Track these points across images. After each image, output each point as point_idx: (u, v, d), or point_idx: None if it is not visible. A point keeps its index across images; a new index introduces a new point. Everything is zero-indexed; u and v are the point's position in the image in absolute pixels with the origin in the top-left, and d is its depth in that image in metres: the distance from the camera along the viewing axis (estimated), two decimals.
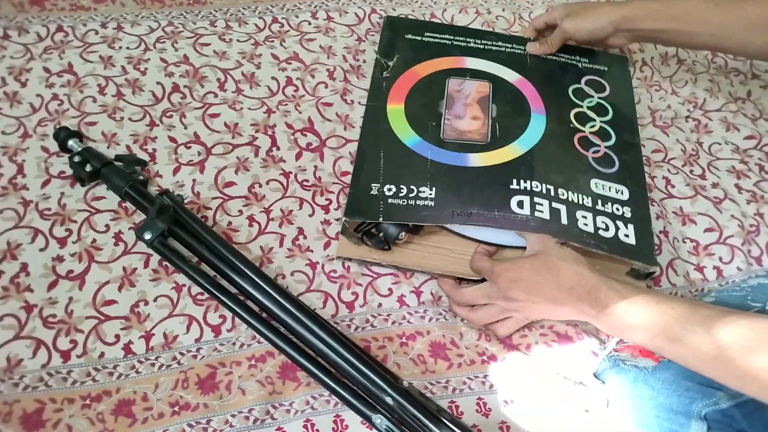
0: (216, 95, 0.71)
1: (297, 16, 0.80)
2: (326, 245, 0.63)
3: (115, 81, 0.70)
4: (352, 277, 0.61)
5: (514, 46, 0.75)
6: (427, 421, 0.51)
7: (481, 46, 0.74)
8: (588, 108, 0.69)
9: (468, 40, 0.75)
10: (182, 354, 0.55)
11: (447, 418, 0.52)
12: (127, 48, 0.73)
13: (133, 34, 0.75)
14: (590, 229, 0.58)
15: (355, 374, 0.53)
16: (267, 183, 0.66)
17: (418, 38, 0.74)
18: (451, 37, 0.75)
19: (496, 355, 0.59)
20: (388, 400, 0.52)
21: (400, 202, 0.58)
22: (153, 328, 0.56)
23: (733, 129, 0.77)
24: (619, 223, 0.59)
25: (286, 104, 0.72)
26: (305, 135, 0.70)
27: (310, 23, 0.80)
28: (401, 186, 0.59)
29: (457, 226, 0.60)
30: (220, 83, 0.72)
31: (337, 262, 0.62)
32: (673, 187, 0.71)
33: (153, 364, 0.54)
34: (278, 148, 0.68)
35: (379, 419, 0.51)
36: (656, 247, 0.64)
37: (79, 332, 0.55)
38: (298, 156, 0.68)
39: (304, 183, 0.66)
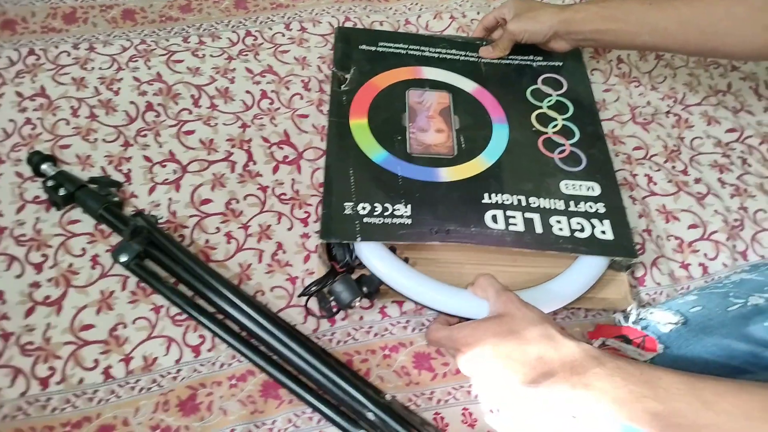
0: (190, 112, 0.71)
1: (270, 29, 0.80)
2: (306, 259, 0.62)
3: (88, 102, 0.70)
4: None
5: (467, 53, 0.74)
6: None
7: (436, 55, 0.73)
8: (548, 108, 0.69)
9: (422, 48, 0.74)
10: (162, 376, 0.55)
11: (431, 431, 0.52)
12: (100, 68, 0.73)
13: (105, 54, 0.74)
14: (566, 233, 0.57)
15: (336, 390, 0.53)
16: (244, 198, 0.65)
17: (372, 48, 0.73)
18: (406, 46, 0.74)
19: None
20: (370, 415, 0.51)
21: (377, 221, 0.57)
22: (132, 351, 0.55)
23: (714, 122, 0.76)
24: (594, 221, 0.59)
25: (262, 118, 0.71)
26: (282, 148, 0.69)
27: (283, 35, 0.79)
28: (375, 204, 0.58)
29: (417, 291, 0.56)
30: (194, 99, 0.72)
31: (318, 276, 0.61)
32: (655, 184, 0.70)
33: (133, 388, 0.54)
34: (255, 163, 0.68)
35: None
36: (639, 246, 0.63)
37: (58, 359, 0.54)
38: (275, 169, 0.67)
39: (282, 197, 0.66)
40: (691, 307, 0.55)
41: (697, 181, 0.71)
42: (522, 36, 0.71)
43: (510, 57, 0.74)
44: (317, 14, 0.82)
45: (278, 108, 0.72)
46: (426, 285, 0.55)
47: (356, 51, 0.73)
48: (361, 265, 0.58)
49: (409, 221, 0.57)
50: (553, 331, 0.46)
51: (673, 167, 0.72)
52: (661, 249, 0.65)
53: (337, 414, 0.52)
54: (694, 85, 0.80)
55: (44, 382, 0.53)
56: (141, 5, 0.80)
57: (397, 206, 0.58)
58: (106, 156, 0.66)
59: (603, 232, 0.58)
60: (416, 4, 0.86)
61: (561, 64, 0.74)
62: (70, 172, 0.63)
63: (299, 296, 0.59)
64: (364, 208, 0.58)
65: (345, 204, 0.58)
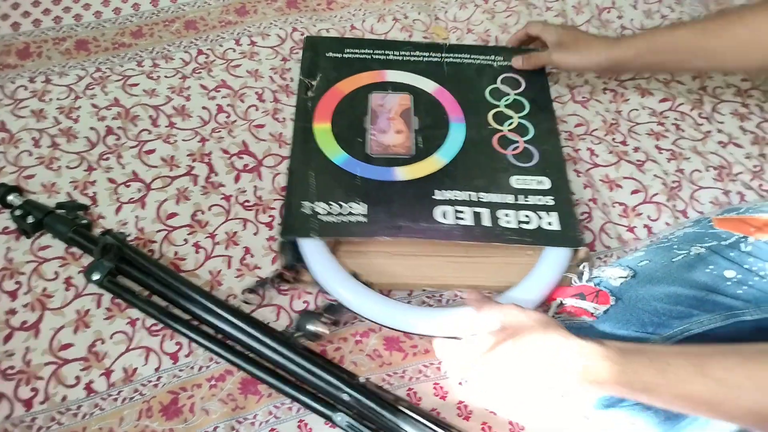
0: (150, 132, 0.73)
1: (221, 45, 0.83)
2: (274, 260, 0.65)
3: (49, 132, 0.72)
4: (302, 287, 0.63)
5: (431, 54, 0.77)
6: (384, 412, 0.53)
7: (400, 58, 0.77)
8: (505, 107, 0.73)
9: (387, 52, 0.77)
10: (143, 385, 0.57)
11: (405, 405, 0.54)
12: (58, 99, 0.75)
13: (62, 85, 0.76)
14: (513, 225, 0.61)
15: (312, 379, 0.55)
16: (209, 209, 0.67)
17: (339, 55, 0.76)
18: (371, 51, 0.77)
19: None
20: (345, 397, 0.54)
21: (334, 219, 0.60)
22: (112, 365, 0.57)
23: (647, 94, 0.81)
24: (542, 213, 0.62)
25: (219, 131, 0.74)
26: (241, 158, 0.72)
27: (234, 50, 0.82)
28: (332, 203, 0.61)
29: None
30: (152, 120, 0.74)
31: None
32: (597, 156, 0.74)
33: (116, 399, 0.56)
34: (216, 174, 0.70)
35: (339, 417, 0.53)
36: (585, 214, 0.67)
37: (39, 379, 0.56)
38: (236, 179, 0.70)
39: (246, 204, 0.68)
40: (639, 261, 0.59)
41: (636, 149, 0.75)
42: (564, 66, 0.74)
43: (472, 57, 0.77)
44: (265, 28, 0.85)
45: (235, 120, 0.75)
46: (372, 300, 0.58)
47: (323, 58, 0.76)
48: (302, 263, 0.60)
49: (364, 219, 0.60)
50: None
51: (613, 139, 0.76)
52: (608, 215, 0.69)
53: (315, 401, 0.54)
54: None
55: (28, 403, 0.55)
56: (93, 35, 0.83)
57: (353, 205, 0.61)
58: (71, 182, 0.68)
59: (550, 224, 0.61)
60: (360, 9, 0.90)
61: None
62: (36, 201, 0.65)
63: (242, 292, 0.61)
64: (322, 208, 0.61)
65: (304, 203, 0.61)
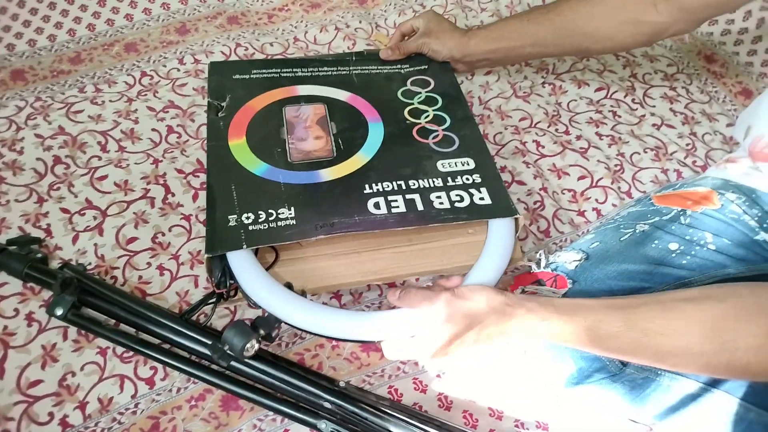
0: (100, 158, 0.72)
1: (165, 66, 0.82)
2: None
3: None
4: (222, 303, 0.62)
5: (338, 68, 0.79)
6: (366, 414, 0.54)
7: (309, 74, 0.78)
8: (419, 103, 0.75)
9: (295, 70, 0.78)
10: (121, 413, 0.56)
11: (386, 405, 0.56)
12: None
13: (1, 117, 0.74)
14: (446, 205, 0.62)
15: (291, 390, 0.56)
16: (170, 230, 0.67)
17: (246, 77, 0.76)
18: (279, 71, 0.77)
19: None
20: (327, 404, 0.55)
21: (261, 227, 0.59)
22: (86, 397, 0.56)
23: (584, 85, 0.86)
24: (472, 190, 0.64)
25: (172, 151, 0.73)
26: (197, 176, 0.72)
27: (179, 69, 0.82)
28: (260, 212, 0.60)
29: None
30: (101, 146, 0.73)
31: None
32: (543, 147, 0.78)
33: (94, 431, 0.55)
34: (173, 194, 0.70)
35: (323, 424, 0.54)
36: (538, 203, 0.70)
37: (10, 420, 0.54)
38: (194, 197, 0.70)
39: None
40: (591, 244, 0.63)
41: (578, 138, 0.79)
42: (425, 51, 0.79)
43: (378, 67, 0.80)
44: (208, 45, 0.85)
45: (187, 140, 0.75)
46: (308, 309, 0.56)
47: (230, 80, 0.75)
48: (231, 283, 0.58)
49: (293, 221, 0.60)
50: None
51: (556, 130, 0.80)
52: (558, 202, 0.73)
53: (297, 410, 0.55)
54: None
55: None
56: (29, 64, 0.80)
57: (281, 210, 0.61)
58: (21, 215, 0.66)
59: (482, 199, 0.64)
60: (302, 21, 0.91)
61: (426, 66, 0.80)
62: None
63: (181, 317, 0.59)
64: (248, 218, 0.60)
65: (229, 217, 0.60)
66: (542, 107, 0.83)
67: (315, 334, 0.56)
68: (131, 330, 0.59)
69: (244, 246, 0.57)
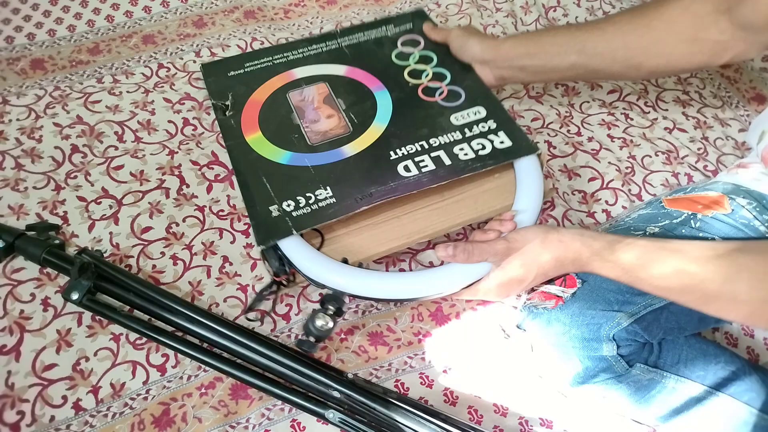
0: (116, 148, 0.73)
1: (182, 58, 0.83)
2: (253, 267, 0.66)
3: (12, 153, 0.71)
4: (283, 290, 0.64)
5: (327, 44, 0.80)
6: (374, 405, 0.55)
7: (301, 55, 0.79)
8: (415, 63, 0.77)
9: (286, 54, 0.79)
10: (133, 399, 0.57)
11: (393, 397, 0.56)
12: (18, 120, 0.74)
13: (20, 105, 0.75)
14: (471, 155, 0.66)
15: (301, 379, 0.56)
16: (183, 221, 0.68)
17: (241, 72, 0.77)
18: (271, 58, 0.78)
19: (430, 332, 0.63)
20: (336, 394, 0.55)
21: (305, 212, 0.61)
22: (99, 381, 0.57)
23: (597, 87, 0.86)
24: (491, 136, 0.68)
25: (188, 143, 0.74)
26: (212, 168, 0.73)
27: (195, 62, 0.83)
28: (298, 198, 0.62)
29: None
30: (118, 136, 0.74)
31: (267, 281, 0.64)
32: (554, 148, 0.78)
33: (106, 415, 0.56)
34: (188, 186, 0.71)
35: (331, 414, 0.55)
36: (548, 203, 0.71)
37: (25, 402, 0.55)
38: (209, 189, 0.71)
39: (220, 213, 0.69)
40: None
41: (590, 139, 0.80)
42: (452, 42, 0.77)
43: (365, 33, 0.81)
44: (224, 39, 0.86)
45: (202, 132, 0.76)
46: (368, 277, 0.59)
47: (227, 79, 0.76)
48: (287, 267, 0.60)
49: (333, 200, 0.62)
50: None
51: (568, 131, 0.81)
52: (569, 203, 0.73)
53: (306, 400, 0.56)
54: None
55: (15, 427, 0.54)
56: (48, 54, 0.82)
57: (318, 191, 0.63)
58: (39, 202, 0.67)
59: (502, 142, 0.67)
60: (317, 17, 0.92)
61: (411, 25, 0.82)
62: (5, 224, 0.64)
63: (246, 316, 0.62)
64: (288, 205, 0.62)
65: (270, 208, 0.62)
66: (555, 108, 0.83)
67: (388, 300, 0.61)
68: (145, 318, 0.60)
69: (294, 232, 0.59)
